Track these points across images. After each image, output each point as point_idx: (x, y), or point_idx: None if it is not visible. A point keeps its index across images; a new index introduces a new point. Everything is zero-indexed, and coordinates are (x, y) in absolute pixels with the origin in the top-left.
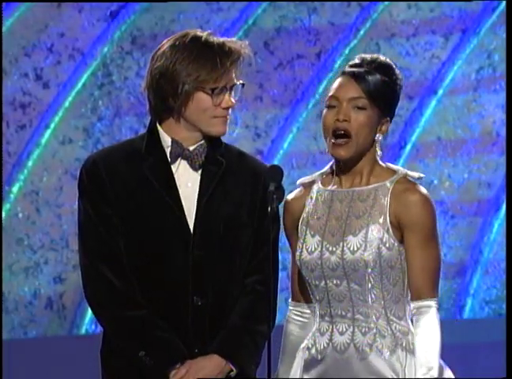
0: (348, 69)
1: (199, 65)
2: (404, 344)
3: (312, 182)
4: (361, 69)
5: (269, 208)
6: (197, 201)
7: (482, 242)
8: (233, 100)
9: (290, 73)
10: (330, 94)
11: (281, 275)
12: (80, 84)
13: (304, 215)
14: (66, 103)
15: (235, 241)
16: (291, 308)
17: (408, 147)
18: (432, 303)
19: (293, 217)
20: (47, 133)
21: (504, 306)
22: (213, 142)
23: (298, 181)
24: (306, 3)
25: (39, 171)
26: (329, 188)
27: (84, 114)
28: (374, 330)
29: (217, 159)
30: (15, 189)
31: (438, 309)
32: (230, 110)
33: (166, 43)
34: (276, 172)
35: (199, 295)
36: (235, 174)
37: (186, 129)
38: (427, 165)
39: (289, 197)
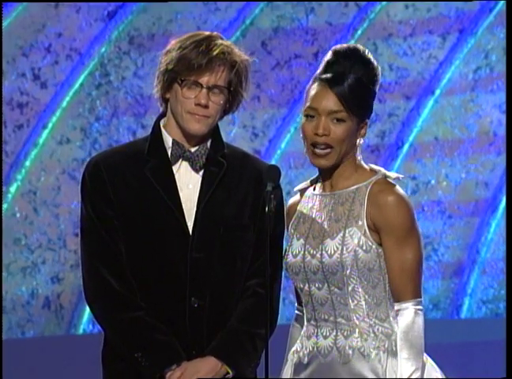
0: (323, 75)
1: (180, 55)
2: (386, 346)
3: (307, 188)
4: (336, 73)
5: (267, 208)
6: (197, 203)
7: (479, 241)
8: (206, 100)
9: (287, 72)
10: (308, 104)
11: None
12: (77, 84)
13: (294, 219)
14: (64, 103)
15: (236, 243)
16: (295, 311)
17: (406, 147)
18: (410, 305)
19: (290, 222)
20: (45, 132)
21: (501, 306)
22: (215, 143)
23: (295, 189)
24: (304, 3)
25: (36, 171)
26: (316, 192)
27: (81, 114)
28: (357, 333)
29: (218, 161)
30: (12, 189)
31: (421, 310)
32: (210, 111)
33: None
34: (274, 172)
35: (197, 297)
36: (238, 174)
37: (181, 128)
38: (424, 165)
39: (289, 202)
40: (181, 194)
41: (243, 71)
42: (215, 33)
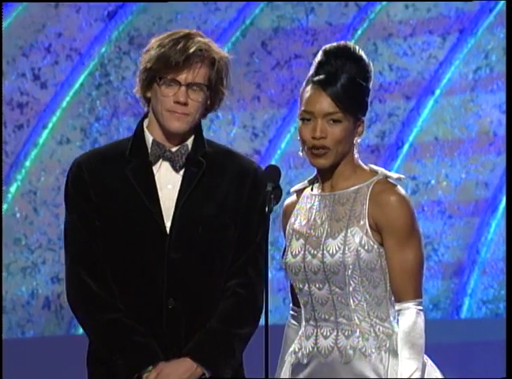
0: (315, 77)
1: (159, 54)
2: (387, 345)
3: (304, 188)
4: (328, 74)
5: (267, 208)
6: (176, 203)
7: (479, 241)
8: (184, 98)
9: (287, 73)
10: (303, 108)
11: (279, 275)
12: (77, 84)
13: (292, 219)
14: (64, 103)
15: (216, 242)
16: (290, 312)
17: (406, 147)
18: (411, 305)
19: (287, 222)
20: (45, 133)
21: (501, 306)
22: (196, 143)
23: (291, 190)
24: (304, 3)
25: (36, 171)
26: (315, 192)
27: (81, 114)
28: (357, 333)
29: (198, 160)
30: (12, 189)
31: (422, 310)
32: (189, 109)
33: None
34: (274, 172)
35: (174, 298)
36: (220, 173)
37: (162, 127)
38: (424, 165)
39: (285, 202)
40: (160, 194)
41: (223, 68)
42: (194, 31)
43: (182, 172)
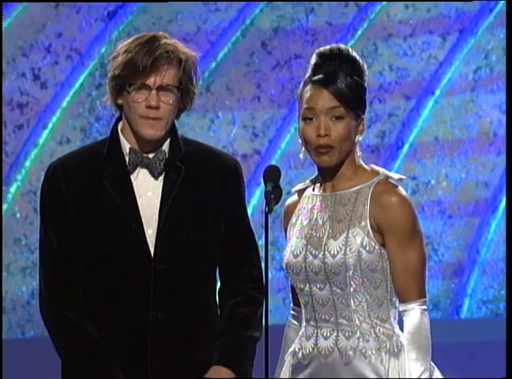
0: (314, 77)
1: (126, 60)
2: (388, 347)
3: (305, 188)
4: (326, 74)
5: (267, 208)
6: (159, 212)
7: (479, 242)
8: (156, 101)
9: (287, 73)
10: (306, 105)
11: (279, 275)
12: (77, 85)
13: (294, 219)
14: (64, 103)
15: (202, 248)
16: (291, 312)
17: (406, 147)
18: (415, 305)
19: (288, 222)
20: (45, 133)
21: (501, 306)
22: (173, 147)
23: (293, 189)
24: (304, 3)
25: (36, 171)
26: (316, 193)
27: (81, 115)
28: (358, 334)
29: (176, 166)
30: (12, 189)
31: (426, 310)
32: (162, 113)
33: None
34: (274, 172)
35: (160, 309)
36: (200, 175)
37: (137, 134)
38: (424, 165)
39: (287, 202)
40: (139, 202)
41: (191, 67)
42: (160, 33)
43: (161, 178)
